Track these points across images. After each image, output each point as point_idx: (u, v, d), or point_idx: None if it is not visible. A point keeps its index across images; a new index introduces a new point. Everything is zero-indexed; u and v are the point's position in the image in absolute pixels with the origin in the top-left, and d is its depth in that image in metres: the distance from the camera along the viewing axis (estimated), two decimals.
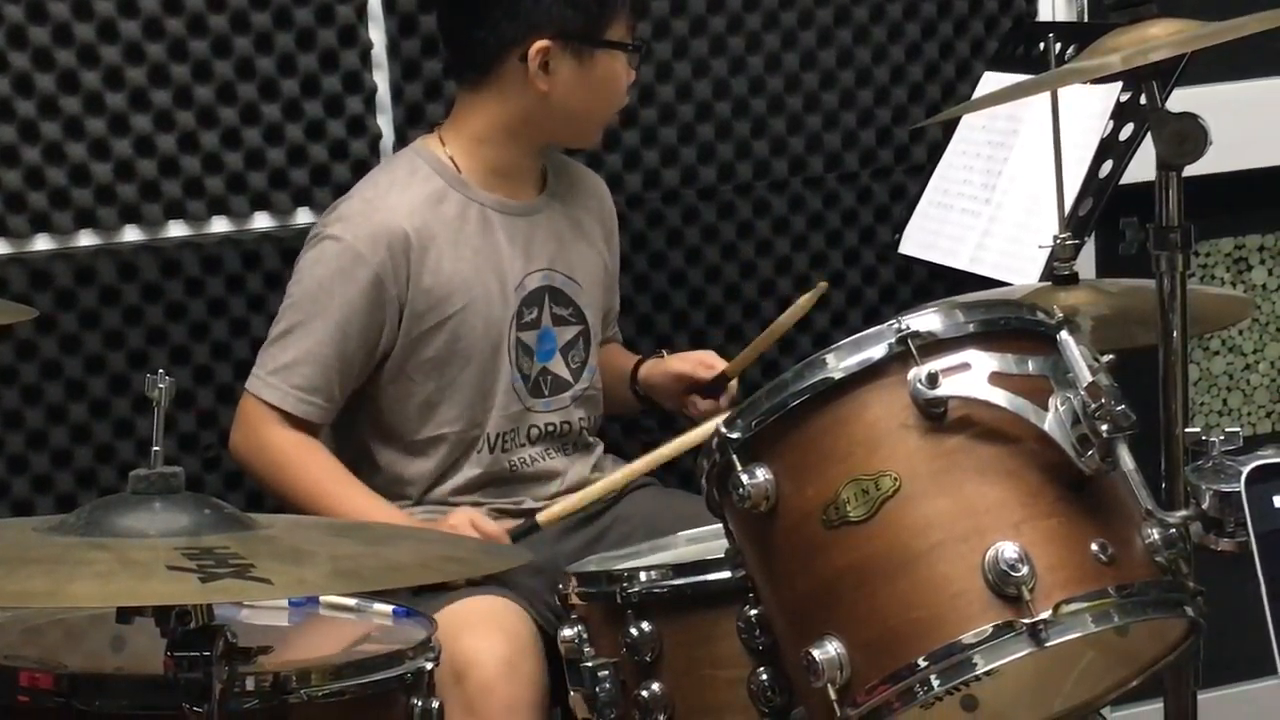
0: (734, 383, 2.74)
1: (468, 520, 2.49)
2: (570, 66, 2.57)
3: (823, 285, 2.78)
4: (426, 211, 2.59)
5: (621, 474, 2.61)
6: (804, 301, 2.75)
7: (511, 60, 2.57)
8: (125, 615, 1.64)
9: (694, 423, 2.70)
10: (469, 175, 2.63)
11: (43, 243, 2.81)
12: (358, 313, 2.54)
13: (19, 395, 2.80)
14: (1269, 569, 1.65)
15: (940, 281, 3.11)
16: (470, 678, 2.31)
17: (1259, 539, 1.64)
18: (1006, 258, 2.87)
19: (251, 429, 2.57)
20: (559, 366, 2.68)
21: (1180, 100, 2.12)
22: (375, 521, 2.46)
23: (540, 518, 2.54)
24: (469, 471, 2.62)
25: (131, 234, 2.85)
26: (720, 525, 2.00)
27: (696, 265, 3.18)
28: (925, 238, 3.08)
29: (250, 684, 1.81)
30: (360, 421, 2.64)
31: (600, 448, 2.78)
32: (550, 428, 2.68)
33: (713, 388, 2.73)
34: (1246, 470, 1.65)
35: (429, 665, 2.00)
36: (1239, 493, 1.71)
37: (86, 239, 2.83)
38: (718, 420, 2.55)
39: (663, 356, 2.81)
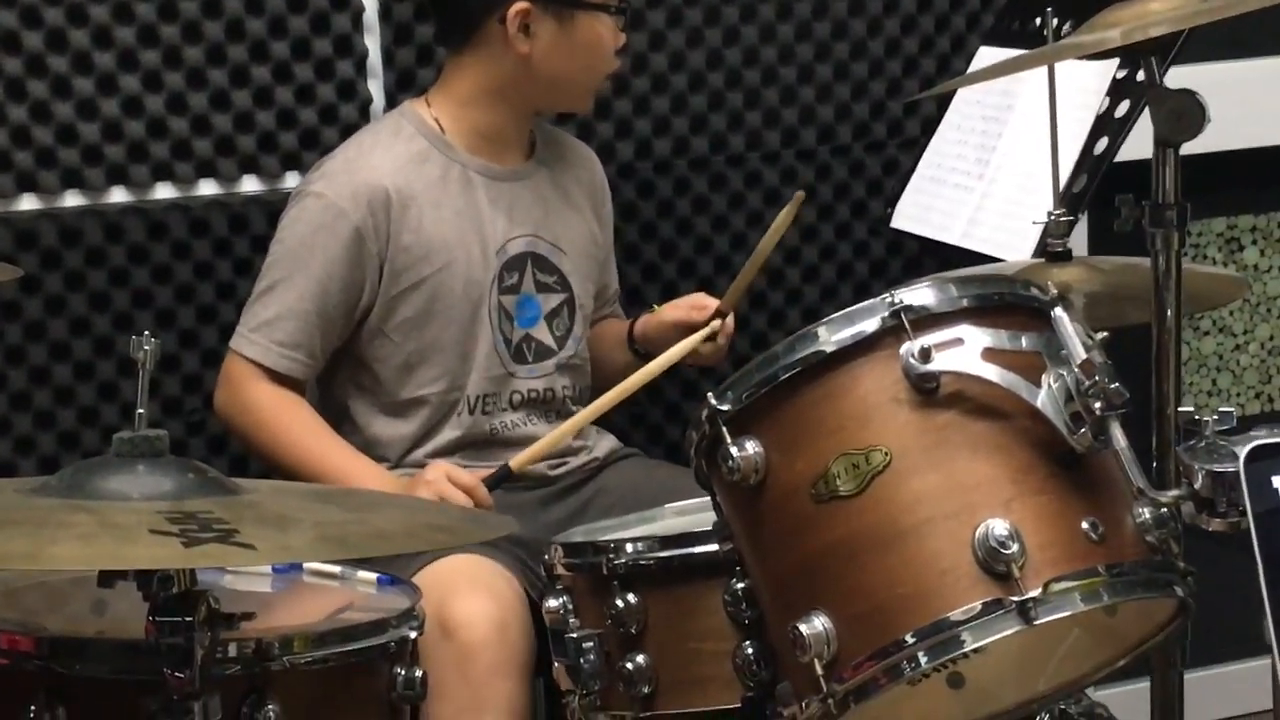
0: (730, 318, 2.70)
1: (443, 473, 2.47)
2: (550, 29, 2.56)
3: (799, 195, 2.69)
4: (409, 170, 2.58)
5: (590, 408, 2.58)
6: (783, 217, 2.67)
7: (491, 22, 2.56)
8: (107, 579, 1.62)
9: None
10: (453, 137, 2.63)
11: (28, 202, 2.79)
12: (339, 268, 2.54)
13: (2, 356, 2.78)
14: (1266, 549, 1.64)
15: (932, 256, 3.09)
16: (458, 638, 2.30)
17: (1257, 519, 1.63)
18: (999, 233, 2.85)
19: (235, 386, 2.57)
20: (543, 333, 2.67)
21: (1176, 78, 2.11)
22: (357, 485, 2.45)
23: (513, 462, 2.53)
24: (449, 434, 2.61)
25: (118, 195, 2.84)
26: (707, 498, 1.99)
27: (687, 236, 3.16)
28: (918, 212, 3.07)
29: (233, 650, 1.80)
30: (340, 382, 2.64)
31: None
32: (533, 394, 2.66)
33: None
34: (1246, 450, 1.64)
35: (412, 634, 1.99)
36: (1233, 472, 1.70)
37: (73, 199, 2.81)
38: (681, 345, 2.58)
39: (653, 310, 2.79)
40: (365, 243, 2.54)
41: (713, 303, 2.71)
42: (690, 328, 2.71)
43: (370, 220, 2.54)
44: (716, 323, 2.66)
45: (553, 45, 2.57)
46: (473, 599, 2.34)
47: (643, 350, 2.79)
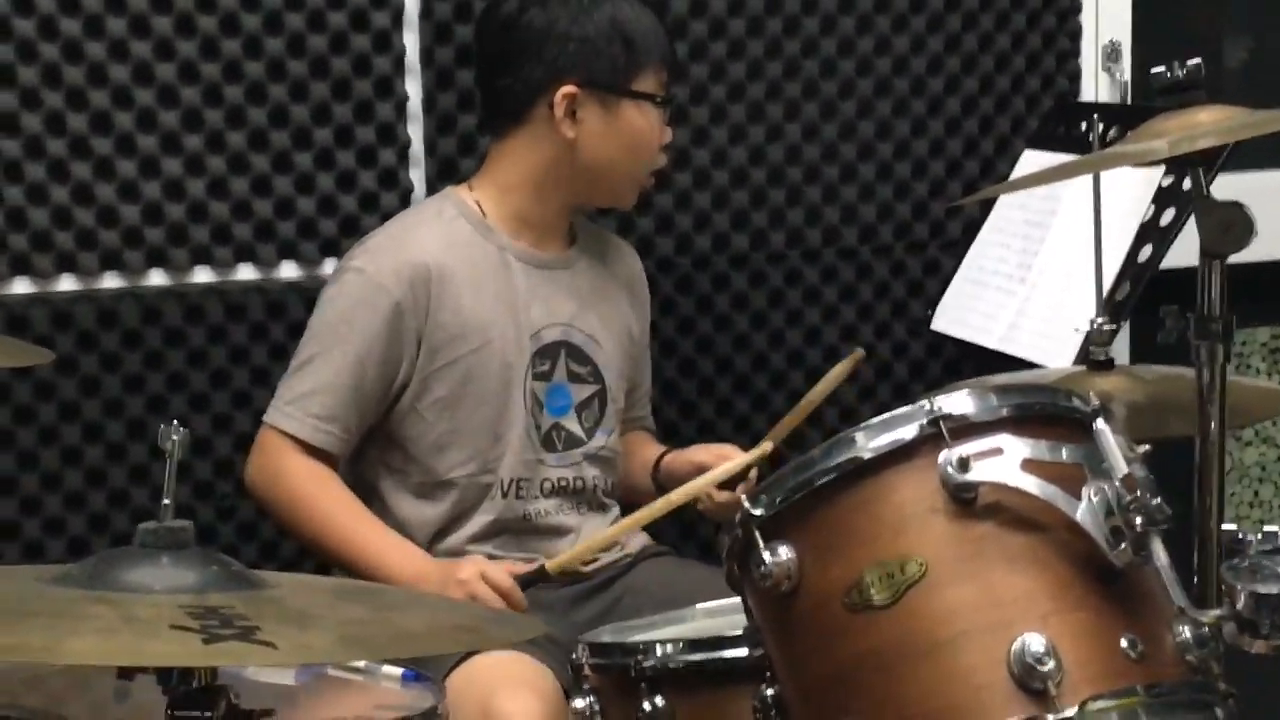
0: (754, 473, 2.66)
1: (477, 572, 2.45)
2: (597, 114, 2.57)
3: (858, 353, 2.70)
4: (450, 251, 2.59)
5: (631, 519, 2.56)
6: (838, 371, 2.66)
7: (539, 106, 2.58)
8: (127, 671, 1.60)
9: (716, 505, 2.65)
10: (495, 222, 2.64)
11: (67, 283, 2.80)
12: (377, 343, 2.53)
13: (36, 436, 2.78)
14: None
15: (971, 360, 3.07)
16: None
17: None
18: (1040, 339, 2.83)
19: (268, 458, 2.56)
20: (572, 423, 2.66)
21: (1222, 185, 2.09)
22: (389, 563, 2.45)
23: (549, 565, 2.51)
24: (482, 518, 2.60)
25: (157, 278, 2.84)
26: (738, 598, 1.96)
27: (725, 333, 3.15)
28: (958, 314, 3.05)
29: None
30: (370, 462, 2.62)
31: (616, 509, 2.74)
32: (563, 482, 2.65)
33: (732, 481, 2.66)
34: None
35: None
36: (1277, 594, 1.67)
37: (111, 281, 2.82)
38: (727, 465, 2.55)
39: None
40: (404, 318, 2.54)
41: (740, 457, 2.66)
42: None
43: (410, 296, 2.54)
44: (767, 444, 2.61)
45: (598, 131, 2.58)
46: (518, 695, 2.32)
47: (662, 482, 2.76)
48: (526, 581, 2.48)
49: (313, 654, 1.58)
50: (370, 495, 2.61)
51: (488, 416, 2.59)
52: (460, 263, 2.59)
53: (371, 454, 2.62)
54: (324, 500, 2.54)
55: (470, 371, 2.58)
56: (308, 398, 2.54)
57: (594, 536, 2.59)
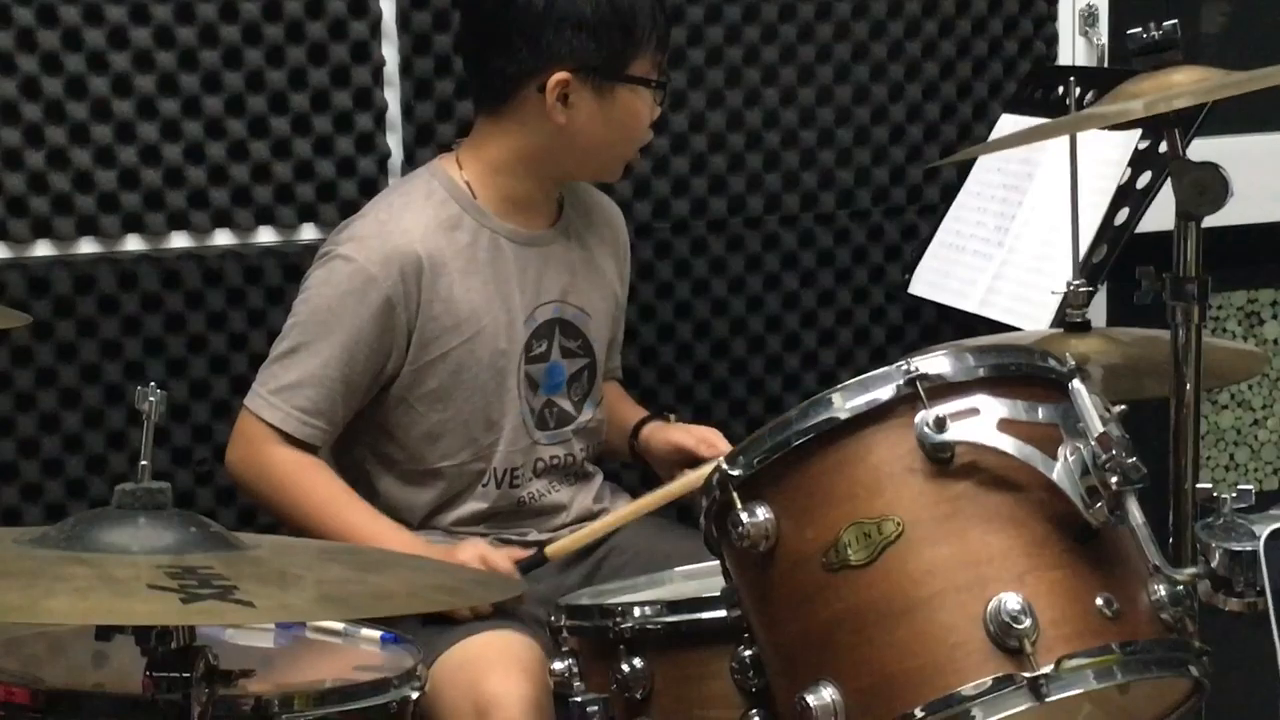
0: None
1: (477, 555, 2.44)
2: (589, 100, 2.52)
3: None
4: (440, 236, 2.54)
5: (630, 509, 2.57)
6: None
7: (530, 91, 2.52)
8: (105, 631, 1.60)
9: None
10: (485, 202, 2.58)
11: (43, 249, 2.79)
12: (366, 336, 2.49)
13: (12, 401, 2.77)
14: None
15: (949, 323, 3.08)
16: (493, 717, 2.27)
17: (1276, 599, 1.61)
18: (1017, 302, 2.84)
19: (251, 448, 2.52)
20: (563, 399, 2.64)
21: (1198, 150, 2.10)
22: (372, 545, 2.41)
23: (549, 550, 2.50)
24: (474, 505, 2.58)
25: (133, 243, 2.83)
26: (717, 562, 1.97)
27: (703, 297, 3.15)
28: (936, 278, 3.05)
29: (231, 707, 1.78)
30: (359, 449, 2.59)
31: (600, 476, 2.74)
32: (554, 460, 2.64)
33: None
34: (1267, 531, 1.62)
35: (414, 694, 1.97)
36: (1251, 552, 1.68)
37: (87, 246, 2.81)
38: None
39: (669, 420, 2.76)
40: (395, 311, 2.49)
41: (725, 447, 2.61)
42: (690, 457, 2.66)
43: (401, 288, 2.49)
44: None
45: (590, 117, 2.53)
46: (507, 678, 2.30)
47: (638, 450, 2.76)
48: (527, 567, 2.48)
49: (291, 613, 1.59)
50: (357, 479, 2.58)
51: (480, 406, 2.56)
52: (451, 249, 2.54)
53: (360, 440, 2.58)
54: (316, 490, 2.49)
55: (462, 362, 2.54)
56: (293, 389, 2.48)
57: (599, 523, 2.57)
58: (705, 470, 2.49)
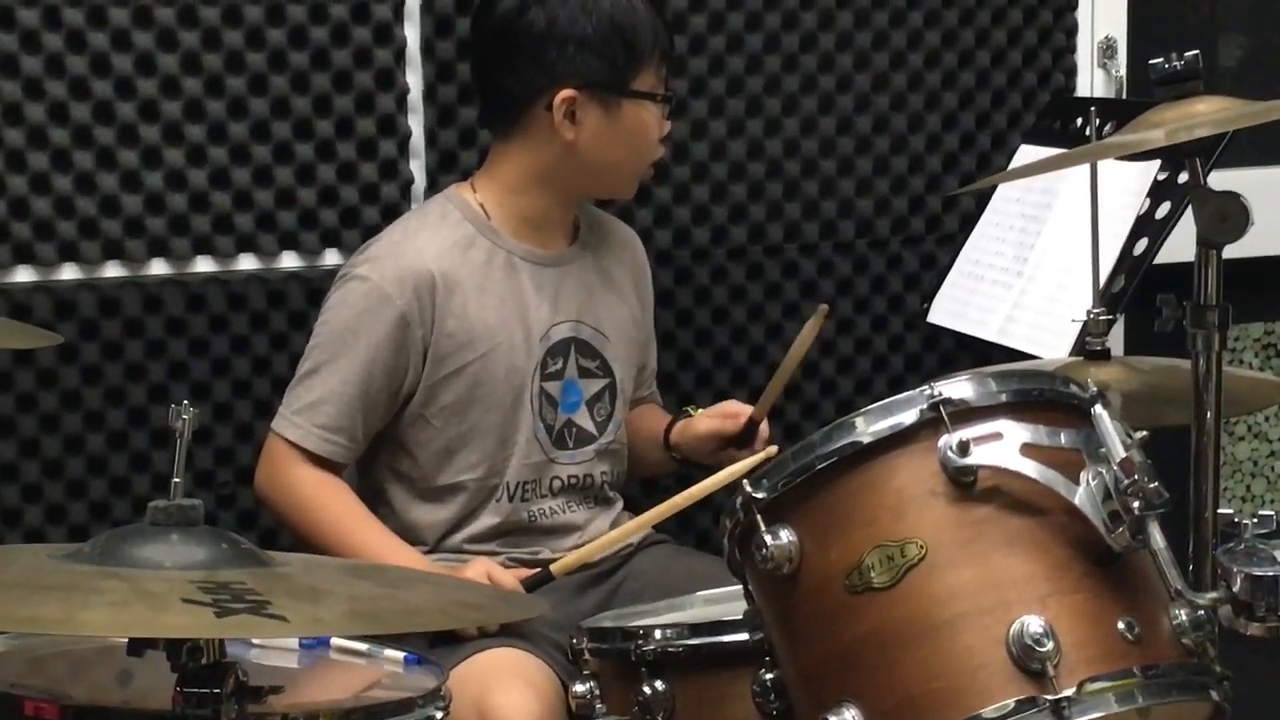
0: (764, 424, 2.70)
1: (484, 572, 2.47)
2: (597, 116, 2.56)
3: (823, 308, 2.68)
4: (454, 255, 2.58)
5: (635, 523, 2.58)
6: (808, 330, 2.67)
7: (538, 109, 2.56)
8: (137, 647, 1.61)
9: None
10: (499, 223, 2.62)
11: (69, 272, 2.81)
12: (383, 353, 2.53)
13: (37, 423, 2.79)
14: None
15: (967, 352, 3.09)
16: None
17: None
18: (1036, 330, 2.85)
19: (276, 467, 2.57)
20: (584, 419, 2.67)
21: (1217, 182, 2.11)
22: (393, 565, 2.43)
23: (554, 567, 2.52)
24: (487, 520, 2.60)
25: (159, 268, 2.85)
26: (738, 587, 1.98)
27: (723, 325, 3.17)
28: (954, 307, 3.07)
29: None
30: (378, 465, 2.63)
31: (620, 504, 2.76)
32: (573, 480, 2.66)
33: (744, 436, 2.70)
34: None
35: (439, 714, 1.97)
36: (1273, 576, 1.69)
37: (113, 270, 2.83)
38: (727, 471, 2.57)
39: (689, 414, 2.78)
40: (410, 328, 2.53)
41: (745, 410, 2.70)
42: (722, 437, 2.71)
43: (415, 305, 2.53)
44: (772, 449, 2.64)
45: (598, 133, 2.57)
46: (513, 692, 2.32)
47: (677, 456, 2.79)
48: (532, 585, 2.49)
49: (323, 627, 1.60)
50: (377, 498, 2.62)
51: (495, 421, 2.59)
52: (465, 268, 2.58)
53: (379, 458, 2.62)
54: (330, 508, 2.54)
55: (477, 378, 2.57)
56: (314, 408, 2.53)
57: (601, 539, 2.59)
58: (711, 482, 2.53)
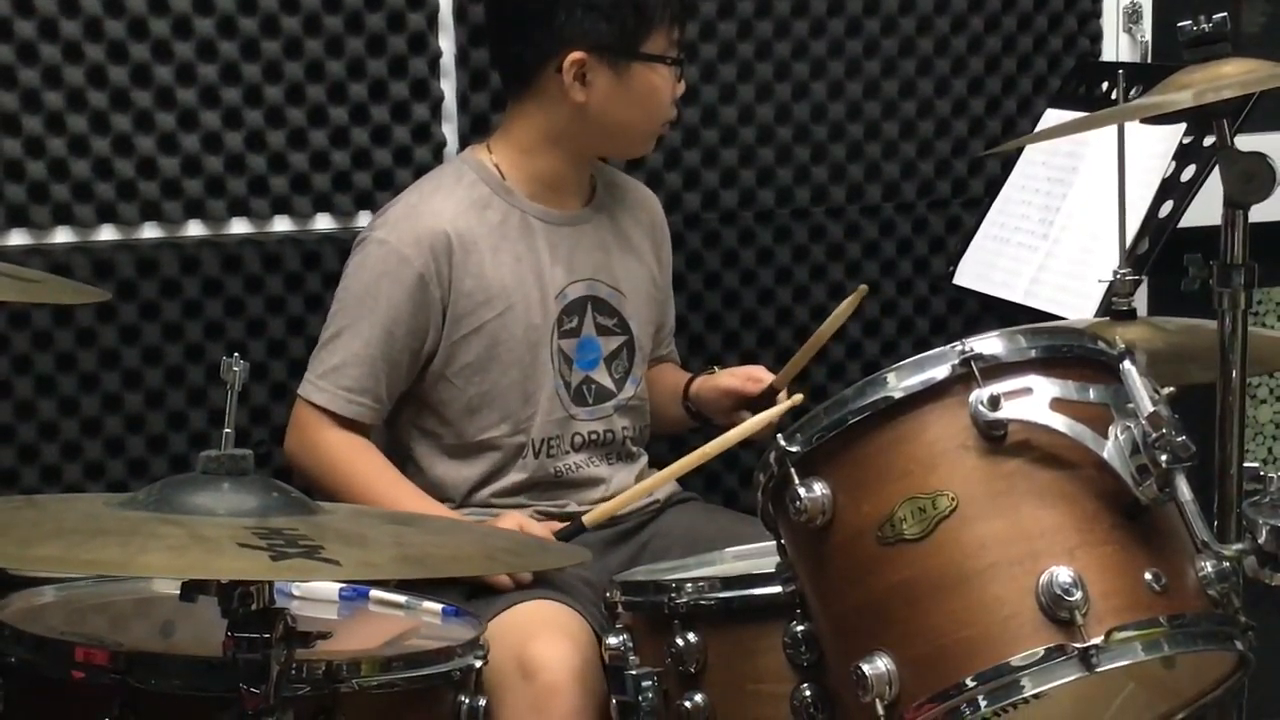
0: (783, 394, 2.74)
1: (517, 524, 2.51)
2: (607, 78, 2.59)
3: (862, 289, 2.74)
4: (469, 216, 2.62)
5: (665, 473, 2.62)
6: (844, 307, 2.72)
7: (548, 72, 2.59)
8: (191, 592, 1.65)
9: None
10: (514, 184, 2.66)
11: (108, 233, 2.84)
12: (403, 313, 2.57)
13: (76, 382, 2.83)
14: None
15: (993, 314, 3.11)
16: (539, 680, 2.32)
17: None
18: (1062, 292, 2.87)
19: (305, 432, 2.61)
20: (602, 375, 2.71)
21: (1242, 145, 2.12)
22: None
23: (586, 519, 2.56)
24: (515, 476, 2.64)
25: (195, 229, 2.89)
26: (767, 543, 2.01)
27: (750, 287, 3.20)
28: (980, 269, 3.09)
29: (304, 671, 1.83)
30: (404, 425, 2.67)
31: (644, 459, 2.79)
32: (594, 435, 2.70)
33: (761, 402, 2.74)
34: None
35: (478, 663, 2.02)
36: None
37: (150, 231, 2.86)
38: (754, 420, 2.60)
39: (713, 372, 2.82)
40: (428, 288, 2.58)
41: (767, 377, 2.74)
42: (741, 397, 2.75)
43: (433, 265, 2.57)
44: (798, 396, 2.68)
45: (609, 94, 2.60)
46: (554, 643, 2.36)
47: (694, 409, 2.82)
48: (565, 537, 2.53)
49: (375, 570, 1.64)
50: (406, 458, 2.66)
51: (516, 378, 2.63)
52: (481, 228, 2.62)
53: (405, 418, 2.66)
54: (359, 469, 2.58)
55: (496, 335, 2.61)
56: (338, 371, 2.58)
57: (631, 489, 2.63)
58: (735, 434, 2.56)
